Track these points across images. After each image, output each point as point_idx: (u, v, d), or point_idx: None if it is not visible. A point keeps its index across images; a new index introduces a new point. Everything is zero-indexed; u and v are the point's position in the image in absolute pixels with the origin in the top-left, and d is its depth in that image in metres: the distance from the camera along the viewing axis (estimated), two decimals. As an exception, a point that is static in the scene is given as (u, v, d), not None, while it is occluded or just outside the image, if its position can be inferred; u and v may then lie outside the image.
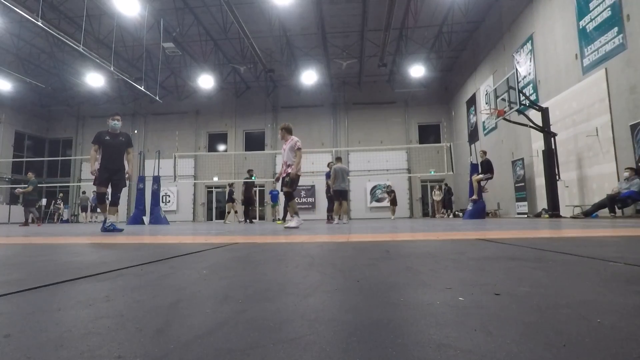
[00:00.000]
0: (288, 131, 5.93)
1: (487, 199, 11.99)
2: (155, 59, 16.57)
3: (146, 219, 12.13)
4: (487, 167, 10.24)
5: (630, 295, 0.79)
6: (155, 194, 12.28)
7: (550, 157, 8.89)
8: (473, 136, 16.10)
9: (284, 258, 1.65)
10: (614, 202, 7.06)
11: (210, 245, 2.37)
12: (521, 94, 9.03)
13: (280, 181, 6.25)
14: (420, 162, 19.49)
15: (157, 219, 11.65)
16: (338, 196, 8.70)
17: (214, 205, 21.09)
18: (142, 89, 15.64)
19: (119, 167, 5.29)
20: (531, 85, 11.06)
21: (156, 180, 12.28)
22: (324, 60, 17.32)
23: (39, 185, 12.39)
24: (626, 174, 6.91)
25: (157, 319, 0.68)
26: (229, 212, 13.15)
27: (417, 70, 17.09)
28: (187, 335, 0.59)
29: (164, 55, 16.30)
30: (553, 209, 8.75)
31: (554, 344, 0.51)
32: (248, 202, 12.49)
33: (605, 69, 7.79)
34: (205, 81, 17.78)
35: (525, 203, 11.42)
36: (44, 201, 20.20)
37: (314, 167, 17.72)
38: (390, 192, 16.40)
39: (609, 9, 7.61)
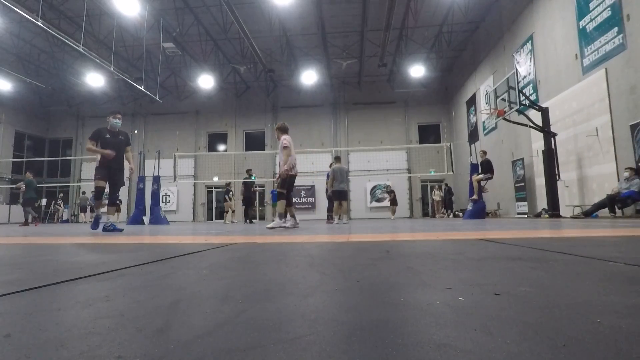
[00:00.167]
0: (281, 130, 5.86)
1: (487, 199, 11.99)
2: (155, 59, 16.57)
3: (146, 219, 12.13)
4: (487, 167, 10.24)
5: (630, 295, 0.79)
6: (155, 194, 12.28)
7: (550, 157, 8.89)
8: (473, 136, 16.10)
9: (283, 258, 1.65)
10: (614, 202, 7.06)
11: (210, 245, 2.37)
12: (521, 94, 9.03)
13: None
14: (420, 162, 19.49)
15: (157, 219, 11.65)
16: (337, 196, 8.69)
17: (214, 205, 21.10)
18: (142, 89, 15.64)
19: (119, 167, 5.27)
20: (531, 85, 11.06)
21: (156, 180, 12.28)
22: (324, 60, 17.32)
23: (38, 185, 12.39)
24: (626, 174, 6.91)
25: (157, 319, 0.68)
26: (227, 212, 13.15)
27: (417, 70, 17.09)
28: (187, 335, 0.59)
29: (164, 55, 16.31)
30: (553, 209, 8.75)
31: (554, 344, 0.51)
32: (248, 202, 12.49)
33: (605, 69, 7.79)
34: (205, 81, 17.78)
35: (525, 203, 11.42)
36: (44, 201, 20.22)
37: (314, 167, 17.74)
38: (390, 192, 16.42)
39: (609, 9, 7.61)
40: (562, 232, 3.28)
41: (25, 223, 11.15)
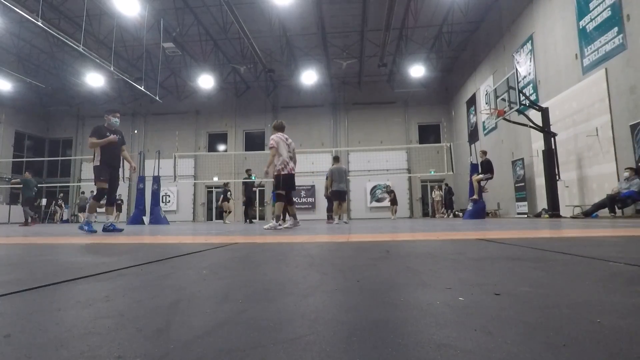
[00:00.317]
0: (274, 129, 5.80)
1: (487, 199, 11.99)
2: (155, 59, 16.57)
3: (146, 219, 12.14)
4: (487, 167, 10.24)
5: (631, 295, 0.79)
6: (155, 194, 12.28)
7: (550, 157, 8.89)
8: (473, 136, 16.10)
9: (284, 258, 1.65)
10: (614, 202, 7.06)
11: (210, 245, 2.37)
12: (521, 94, 9.02)
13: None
14: (420, 162, 19.49)
15: (157, 219, 11.65)
16: (337, 196, 8.68)
17: (214, 205, 21.09)
18: (142, 89, 15.63)
19: (118, 165, 5.26)
20: (531, 85, 11.06)
21: (156, 180, 12.28)
22: (324, 60, 17.32)
23: (39, 185, 12.38)
24: (626, 174, 6.90)
25: (157, 319, 0.68)
26: (226, 212, 13.15)
27: (417, 70, 17.09)
28: (187, 335, 0.59)
29: (164, 55, 16.30)
30: (553, 209, 8.75)
31: (554, 344, 0.51)
32: (248, 202, 12.48)
33: (605, 69, 7.79)
34: (205, 81, 17.78)
35: (525, 203, 11.42)
36: (44, 201, 20.21)
37: (314, 167, 17.72)
38: (390, 192, 16.42)
39: (609, 9, 7.61)
40: (562, 232, 3.28)
41: (25, 223, 11.18)
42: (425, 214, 19.77)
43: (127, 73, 16.79)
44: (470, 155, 11.94)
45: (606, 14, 7.68)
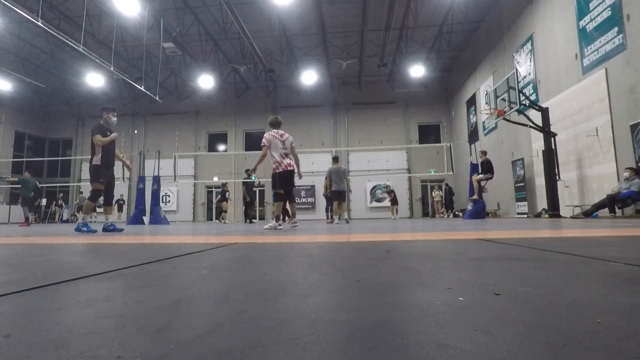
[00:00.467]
0: (270, 125, 5.66)
1: (487, 199, 11.99)
2: (155, 59, 16.56)
3: (146, 219, 12.13)
4: (487, 167, 10.24)
5: (630, 295, 0.79)
6: (155, 194, 12.27)
7: (550, 157, 8.89)
8: (473, 136, 16.10)
9: (284, 258, 1.65)
10: (614, 202, 7.06)
11: (210, 245, 2.37)
12: (521, 94, 9.02)
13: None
14: (420, 162, 19.49)
15: (157, 219, 11.65)
16: (336, 197, 8.69)
17: (214, 205, 21.08)
18: (142, 89, 15.64)
19: (114, 164, 5.25)
20: (531, 85, 11.06)
21: (156, 180, 12.27)
22: (324, 60, 17.31)
23: (39, 185, 12.38)
24: (626, 174, 6.90)
25: (157, 319, 0.68)
26: (226, 212, 13.14)
27: (417, 70, 17.09)
28: (187, 335, 0.59)
29: (164, 55, 16.30)
30: (553, 209, 8.75)
31: (554, 344, 0.51)
32: (248, 202, 12.47)
33: (605, 69, 7.79)
34: (205, 81, 17.78)
35: (525, 203, 11.42)
36: (44, 201, 20.21)
37: (314, 167, 17.71)
38: (390, 192, 16.42)
39: (609, 9, 7.61)
40: (562, 232, 3.28)
41: (26, 222, 11.16)
42: (425, 214, 19.77)
43: (127, 73, 16.79)
44: (470, 155, 11.95)
45: (606, 14, 7.68)
